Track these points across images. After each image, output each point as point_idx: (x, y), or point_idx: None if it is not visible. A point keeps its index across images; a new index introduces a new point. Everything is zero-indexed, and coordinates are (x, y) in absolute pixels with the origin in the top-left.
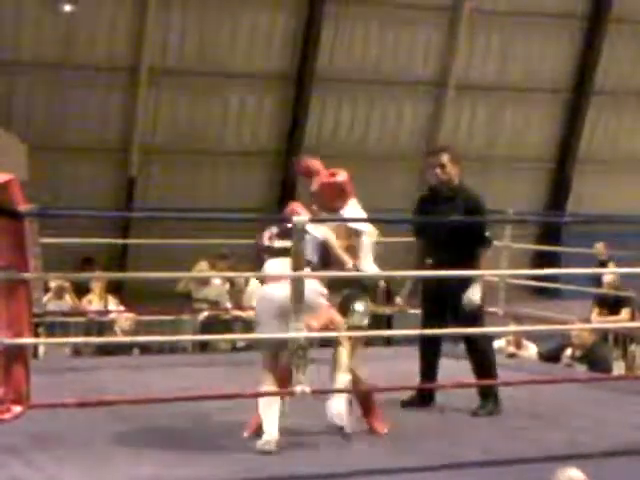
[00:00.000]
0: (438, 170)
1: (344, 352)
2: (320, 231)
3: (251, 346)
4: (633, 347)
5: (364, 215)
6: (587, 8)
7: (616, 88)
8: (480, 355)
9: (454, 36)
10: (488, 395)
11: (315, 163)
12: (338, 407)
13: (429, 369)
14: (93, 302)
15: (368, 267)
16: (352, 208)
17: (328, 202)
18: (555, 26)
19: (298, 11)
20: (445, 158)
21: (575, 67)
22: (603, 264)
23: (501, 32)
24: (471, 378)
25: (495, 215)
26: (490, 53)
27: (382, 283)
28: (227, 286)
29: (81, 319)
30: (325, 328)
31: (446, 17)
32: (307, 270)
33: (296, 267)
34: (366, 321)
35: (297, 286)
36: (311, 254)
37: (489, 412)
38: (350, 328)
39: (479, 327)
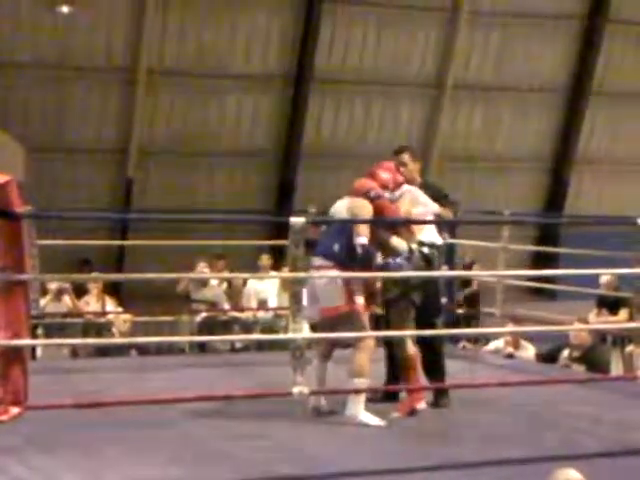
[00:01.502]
0: (402, 169)
1: (362, 356)
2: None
3: (249, 347)
4: (631, 348)
5: (423, 198)
6: (585, 9)
7: (614, 89)
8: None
9: (452, 37)
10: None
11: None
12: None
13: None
14: (91, 303)
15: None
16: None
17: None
18: (553, 27)
19: (296, 12)
20: (406, 157)
21: (573, 68)
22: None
23: (499, 33)
24: (467, 379)
25: (492, 216)
26: (488, 54)
27: (378, 284)
28: (224, 286)
29: (79, 320)
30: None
31: (444, 18)
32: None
33: (292, 268)
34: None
35: (294, 287)
36: (332, 244)
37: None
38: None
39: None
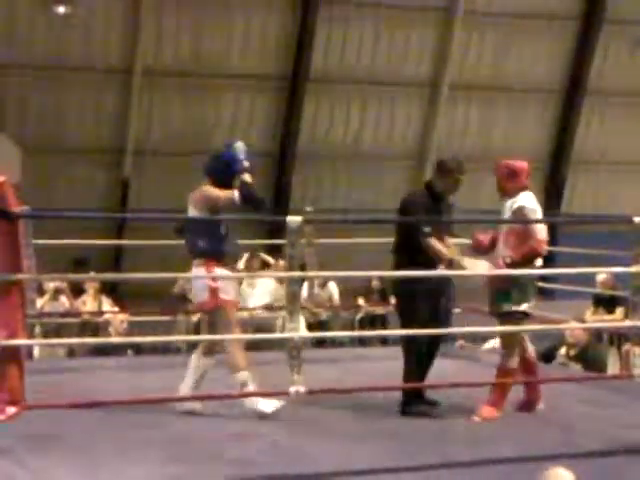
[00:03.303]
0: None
1: (233, 349)
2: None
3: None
4: (628, 346)
5: (535, 208)
6: (580, 9)
7: (609, 89)
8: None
9: (448, 37)
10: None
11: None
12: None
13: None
14: (87, 303)
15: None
16: (529, 198)
17: (500, 180)
18: (548, 27)
19: (292, 12)
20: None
21: (568, 68)
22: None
23: (495, 33)
24: (464, 378)
25: (489, 215)
26: (484, 54)
27: (375, 282)
28: None
29: (75, 320)
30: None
31: (440, 18)
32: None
33: (289, 268)
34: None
35: (291, 287)
36: (196, 242)
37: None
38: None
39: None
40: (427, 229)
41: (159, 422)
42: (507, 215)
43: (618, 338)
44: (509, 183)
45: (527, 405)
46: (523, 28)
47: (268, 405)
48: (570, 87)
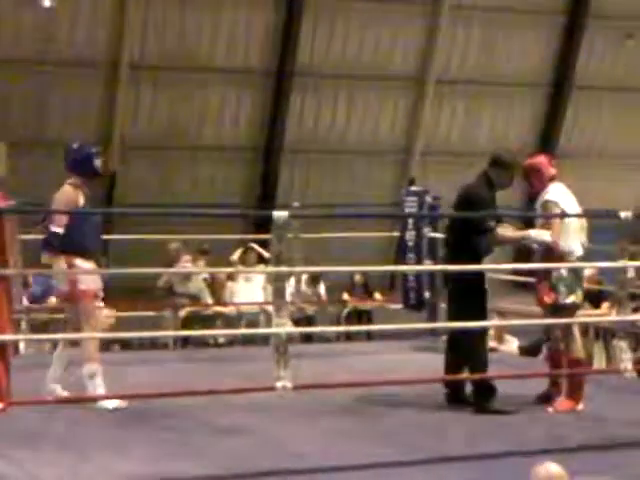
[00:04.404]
0: None
1: (89, 343)
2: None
3: (232, 342)
4: (615, 342)
5: (569, 198)
6: (567, 3)
7: (595, 83)
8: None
9: (434, 31)
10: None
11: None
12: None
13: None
14: None
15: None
16: (555, 190)
17: (528, 181)
18: (535, 21)
19: (278, 7)
20: None
21: (555, 62)
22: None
23: (481, 27)
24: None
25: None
26: (470, 48)
27: (357, 277)
28: (201, 280)
29: (62, 315)
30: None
31: (426, 12)
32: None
33: (277, 263)
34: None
35: (277, 283)
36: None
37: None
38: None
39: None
40: (492, 224)
41: (145, 417)
42: (539, 209)
43: (604, 333)
44: (536, 180)
45: (548, 396)
46: (509, 22)
47: (110, 403)
48: (556, 81)
